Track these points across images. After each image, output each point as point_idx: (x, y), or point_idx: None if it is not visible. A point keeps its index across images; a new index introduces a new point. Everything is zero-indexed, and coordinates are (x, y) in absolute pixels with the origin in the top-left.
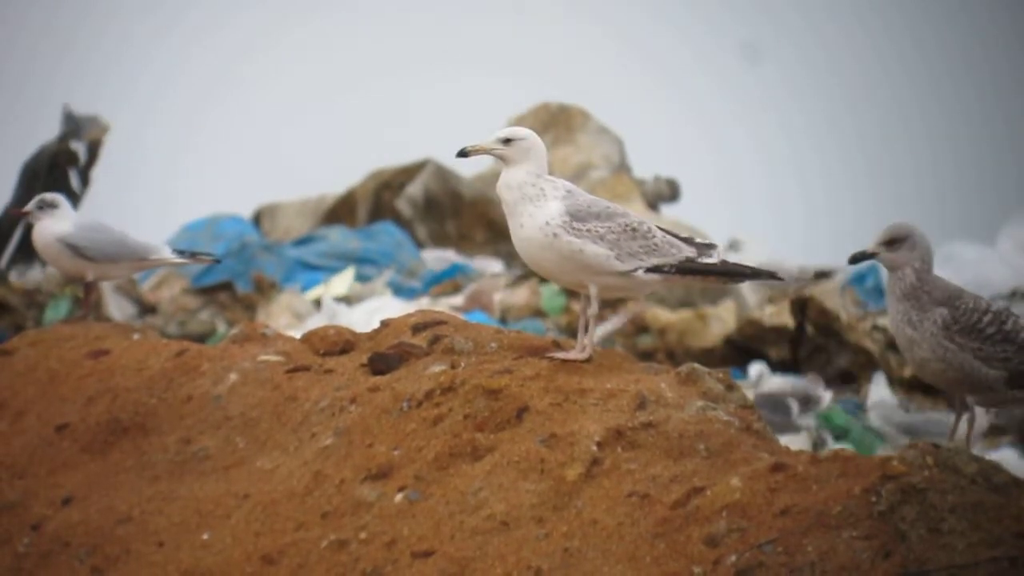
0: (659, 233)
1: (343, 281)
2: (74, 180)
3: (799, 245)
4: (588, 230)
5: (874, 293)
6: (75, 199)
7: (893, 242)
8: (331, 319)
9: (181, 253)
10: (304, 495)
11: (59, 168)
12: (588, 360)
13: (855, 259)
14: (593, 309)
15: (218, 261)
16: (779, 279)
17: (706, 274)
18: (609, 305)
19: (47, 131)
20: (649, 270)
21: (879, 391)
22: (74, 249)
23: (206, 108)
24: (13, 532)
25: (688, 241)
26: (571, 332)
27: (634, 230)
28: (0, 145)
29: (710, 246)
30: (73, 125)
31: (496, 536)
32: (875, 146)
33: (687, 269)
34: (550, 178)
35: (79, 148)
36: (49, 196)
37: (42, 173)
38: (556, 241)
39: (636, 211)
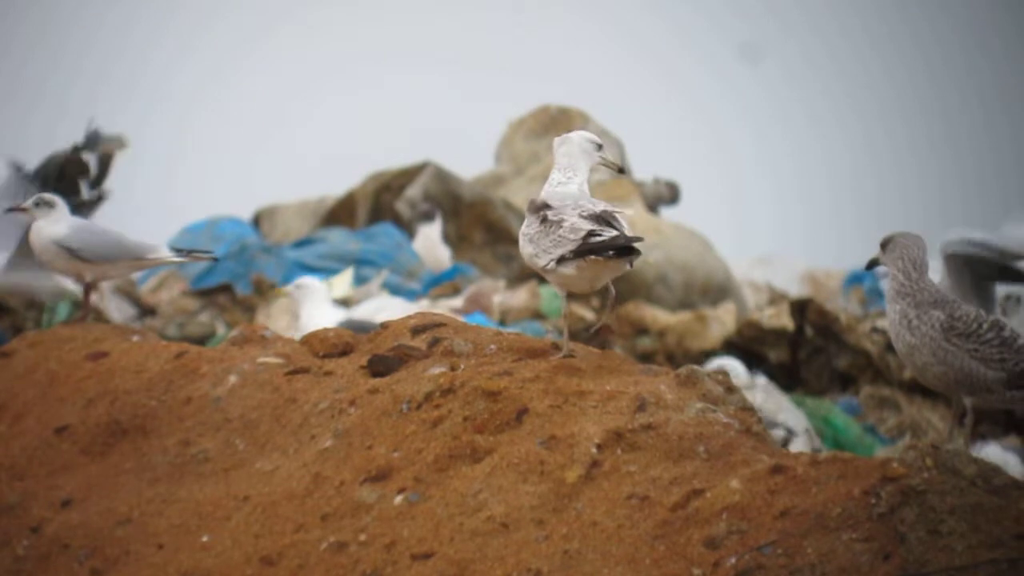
0: (570, 219)
1: (342, 282)
2: (85, 191)
3: (800, 245)
4: (524, 231)
5: (872, 294)
6: (86, 209)
7: (883, 246)
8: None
9: (179, 252)
10: (304, 497)
11: (69, 178)
12: (569, 356)
13: (870, 265)
14: (563, 307)
15: (215, 259)
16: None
17: (599, 252)
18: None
19: (43, 134)
20: (558, 262)
21: (992, 450)
22: (69, 251)
23: (204, 109)
24: (12, 534)
25: (603, 215)
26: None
27: (548, 224)
28: None
29: (617, 214)
30: (95, 140)
31: (496, 538)
32: (876, 146)
33: (582, 251)
34: (555, 178)
35: (90, 160)
36: (47, 195)
37: (51, 180)
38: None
39: (636, 212)
